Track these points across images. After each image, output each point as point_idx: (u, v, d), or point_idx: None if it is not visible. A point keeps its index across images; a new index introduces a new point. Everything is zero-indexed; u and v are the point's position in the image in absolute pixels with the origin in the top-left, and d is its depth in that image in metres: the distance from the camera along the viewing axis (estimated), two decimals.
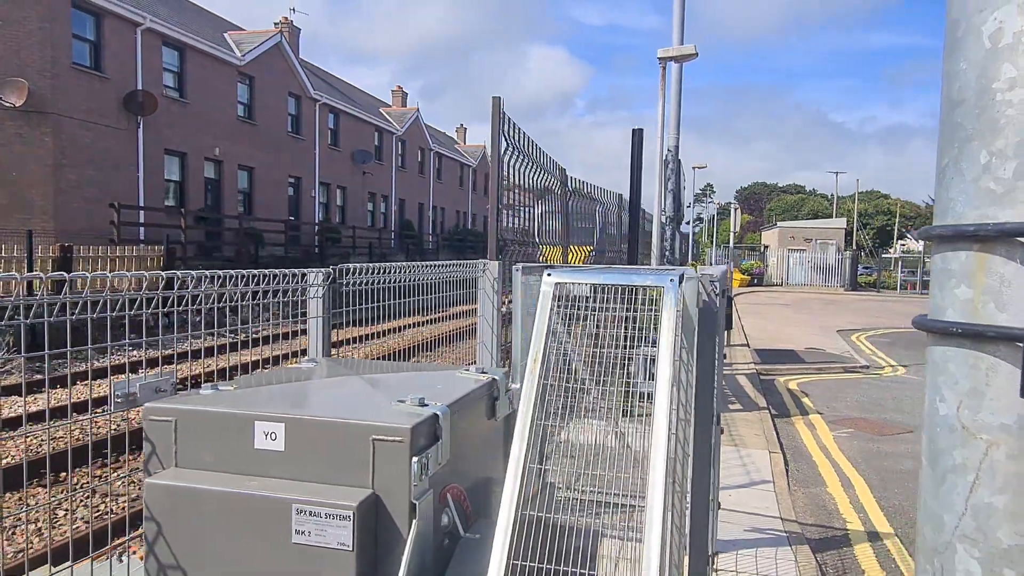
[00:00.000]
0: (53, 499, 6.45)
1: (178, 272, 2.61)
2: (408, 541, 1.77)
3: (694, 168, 34.56)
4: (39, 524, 6.05)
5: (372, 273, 3.57)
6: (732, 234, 37.11)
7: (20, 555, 5.27)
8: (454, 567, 1.92)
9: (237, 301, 3.12)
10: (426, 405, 1.99)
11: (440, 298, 5.07)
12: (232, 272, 3.06)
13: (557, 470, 1.85)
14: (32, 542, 5.63)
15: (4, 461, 7.22)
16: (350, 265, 3.46)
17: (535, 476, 1.74)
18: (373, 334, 4.83)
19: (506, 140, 6.33)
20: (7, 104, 17.46)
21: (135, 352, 11.17)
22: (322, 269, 3.36)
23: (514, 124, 6.76)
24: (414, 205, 42.44)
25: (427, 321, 5.57)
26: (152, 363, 10.53)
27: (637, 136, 9.78)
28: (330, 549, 1.74)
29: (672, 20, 14.04)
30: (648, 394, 1.73)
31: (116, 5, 19.97)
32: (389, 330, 5.21)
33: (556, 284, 1.96)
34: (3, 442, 7.63)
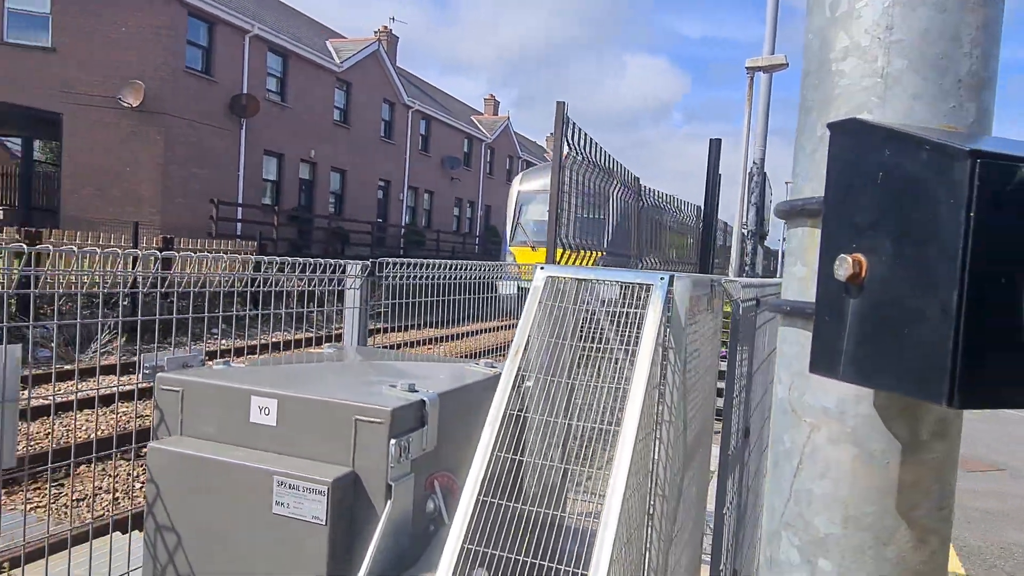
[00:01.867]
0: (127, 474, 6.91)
1: (255, 258, 2.76)
2: (380, 521, 1.81)
3: (787, 183, 33.40)
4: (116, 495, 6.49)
5: (411, 268, 3.64)
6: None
7: (85, 525, 5.66)
8: (430, 552, 1.94)
9: (292, 287, 3.27)
10: (416, 392, 2.03)
11: (492, 300, 5.08)
12: (279, 259, 3.21)
13: (533, 462, 1.84)
14: (110, 510, 6.05)
15: (94, 436, 7.79)
16: (389, 259, 3.55)
17: (508, 465, 1.74)
18: (422, 340, 4.88)
19: (569, 145, 6.34)
20: (125, 104, 18.84)
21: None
22: (361, 261, 3.47)
23: (580, 129, 6.77)
24: (500, 212, 42.89)
25: (483, 330, 5.59)
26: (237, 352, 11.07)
27: (715, 147, 9.56)
28: (305, 522, 1.80)
29: (764, 31, 13.67)
30: (621, 393, 1.70)
31: (228, 13, 21.22)
32: (443, 336, 5.26)
33: (548, 278, 1.97)
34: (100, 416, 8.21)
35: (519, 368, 1.81)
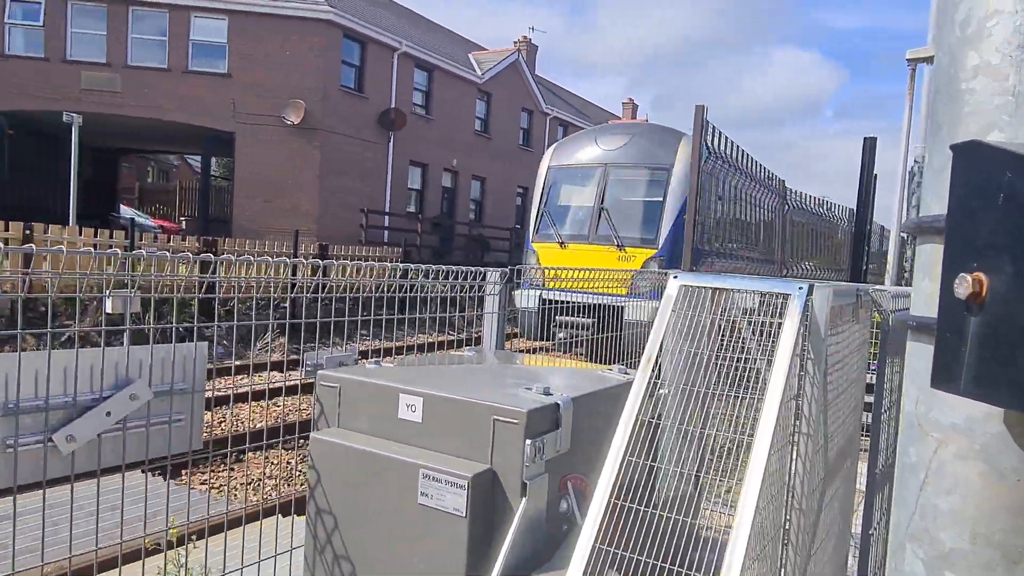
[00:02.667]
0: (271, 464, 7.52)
1: (402, 265, 3.00)
2: (515, 517, 1.91)
3: None
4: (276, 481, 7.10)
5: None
6: None
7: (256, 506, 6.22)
8: (563, 550, 2.01)
9: (437, 293, 3.49)
10: (550, 395, 2.11)
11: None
12: (424, 267, 3.42)
13: (666, 469, 1.87)
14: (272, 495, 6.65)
15: (258, 425, 8.55)
16: (527, 267, 3.68)
17: (641, 471, 1.78)
18: (558, 346, 5.00)
19: (708, 149, 6.22)
20: (288, 122, 20.48)
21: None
22: (500, 269, 3.61)
23: (720, 133, 6.62)
24: None
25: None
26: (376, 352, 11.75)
27: (869, 145, 8.98)
28: (447, 513, 1.93)
29: (928, 17, 12.66)
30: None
31: (379, 33, 22.53)
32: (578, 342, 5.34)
33: (682, 287, 1.98)
34: (267, 410, 9.01)
35: (651, 375, 1.85)
